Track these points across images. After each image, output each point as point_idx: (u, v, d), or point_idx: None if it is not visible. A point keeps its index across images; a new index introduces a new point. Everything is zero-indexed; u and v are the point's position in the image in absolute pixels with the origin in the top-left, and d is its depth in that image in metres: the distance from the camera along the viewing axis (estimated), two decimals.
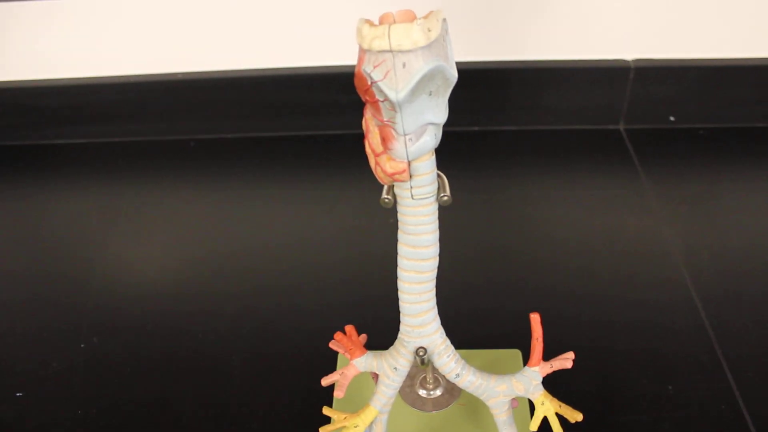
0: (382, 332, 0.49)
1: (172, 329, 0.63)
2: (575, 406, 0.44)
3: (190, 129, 0.86)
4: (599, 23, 0.77)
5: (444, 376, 0.52)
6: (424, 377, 0.53)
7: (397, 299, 0.42)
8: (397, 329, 0.43)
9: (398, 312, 0.42)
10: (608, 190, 0.76)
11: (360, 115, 0.87)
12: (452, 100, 0.36)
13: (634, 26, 0.77)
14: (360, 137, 0.93)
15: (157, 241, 0.73)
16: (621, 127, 0.84)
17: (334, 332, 0.60)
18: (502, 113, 0.84)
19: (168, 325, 0.64)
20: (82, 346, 0.62)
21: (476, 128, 0.85)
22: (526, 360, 0.55)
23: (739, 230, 0.70)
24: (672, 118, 0.83)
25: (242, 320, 0.64)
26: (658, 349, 0.59)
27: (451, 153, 0.81)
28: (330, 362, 0.57)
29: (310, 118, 0.85)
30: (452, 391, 0.53)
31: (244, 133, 0.86)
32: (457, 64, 0.35)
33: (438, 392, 0.52)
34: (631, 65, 0.79)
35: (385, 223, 0.72)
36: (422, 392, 0.53)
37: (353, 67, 0.88)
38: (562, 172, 0.79)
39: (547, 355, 0.44)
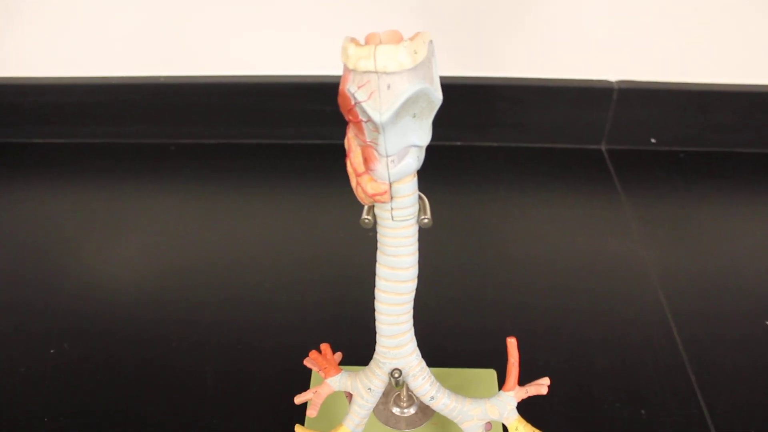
0: (357, 348, 0.49)
1: (145, 337, 0.62)
2: (547, 428, 0.44)
3: (171, 133, 0.85)
4: (585, 43, 0.77)
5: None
6: (398, 395, 0.52)
7: (373, 315, 0.41)
8: (373, 345, 0.43)
9: (374, 328, 0.42)
10: (588, 209, 0.76)
11: (344, 127, 0.87)
12: (436, 114, 0.36)
13: (620, 48, 0.78)
14: (342, 149, 0.92)
15: (132, 247, 0.72)
16: (603, 147, 0.84)
17: (309, 347, 0.59)
18: (485, 129, 0.84)
19: (141, 332, 0.63)
20: (52, 351, 0.61)
21: (459, 143, 0.85)
22: (500, 379, 0.55)
23: (716, 254, 0.70)
24: (653, 140, 0.84)
25: (217, 330, 0.63)
26: (633, 372, 0.59)
27: (432, 167, 0.81)
28: (303, 378, 0.56)
29: (292, 127, 0.84)
30: (426, 410, 0.52)
31: (225, 139, 0.86)
32: (442, 78, 0.35)
33: (412, 411, 0.52)
34: (614, 86, 0.79)
35: (364, 236, 0.72)
36: (396, 410, 0.52)
37: (338, 77, 0.88)
38: (543, 190, 0.79)
39: (522, 376, 0.44)
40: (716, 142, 0.83)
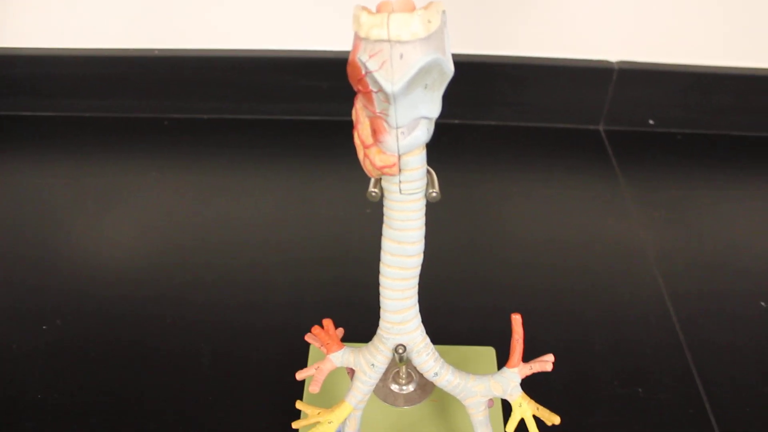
0: (355, 327, 0.48)
1: (139, 314, 0.61)
2: (546, 405, 0.44)
3: (165, 107, 0.84)
4: (586, 23, 0.77)
5: (418, 372, 0.52)
6: (398, 372, 0.52)
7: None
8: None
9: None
10: (586, 190, 0.76)
11: (341, 103, 0.86)
12: None
13: (620, 28, 0.77)
14: (339, 125, 0.92)
15: (125, 223, 0.71)
16: (601, 127, 0.84)
17: (306, 326, 0.59)
18: (483, 107, 0.84)
19: (135, 309, 0.62)
20: (44, 328, 0.60)
21: (456, 121, 0.85)
22: (499, 357, 0.55)
23: (713, 236, 0.71)
24: (651, 122, 0.84)
25: (212, 309, 0.62)
26: (630, 351, 0.59)
27: (429, 145, 0.81)
28: (301, 357, 0.55)
29: (288, 103, 0.83)
30: (425, 386, 0.52)
31: (220, 114, 0.84)
32: None
33: (410, 387, 0.52)
34: (614, 67, 0.79)
35: (360, 215, 0.71)
36: (394, 387, 0.52)
37: (336, 53, 0.88)
38: (541, 170, 0.79)
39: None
40: (714, 125, 0.83)
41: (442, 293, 0.64)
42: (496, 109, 0.84)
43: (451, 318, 0.61)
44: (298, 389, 0.53)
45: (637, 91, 0.81)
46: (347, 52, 0.91)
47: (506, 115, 0.84)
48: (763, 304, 0.63)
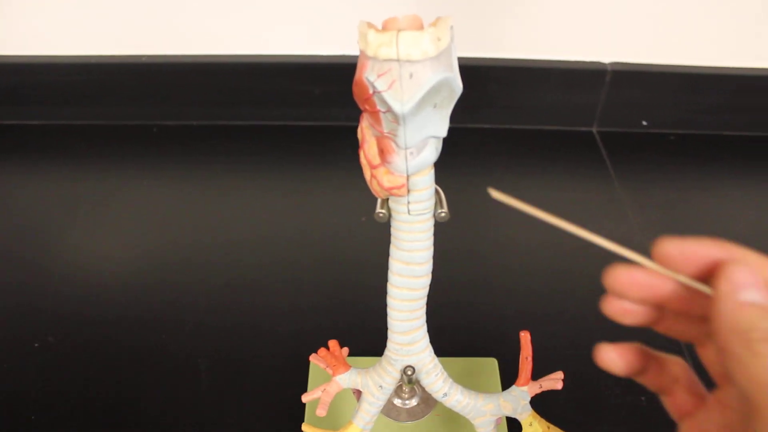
0: (353, 334, 0.48)
1: (134, 326, 0.60)
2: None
3: (154, 114, 0.82)
4: (579, 25, 0.76)
5: (421, 386, 0.51)
6: (401, 386, 0.51)
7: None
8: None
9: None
10: (581, 192, 0.75)
11: (334, 108, 0.85)
12: None
13: (614, 30, 0.76)
14: (332, 130, 0.90)
15: (118, 232, 0.69)
16: (594, 129, 0.84)
17: (304, 334, 0.58)
18: (476, 111, 0.83)
19: (129, 321, 0.60)
20: (36, 345, 0.58)
21: (450, 125, 0.84)
22: (502, 369, 0.54)
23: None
24: (645, 123, 0.83)
25: (209, 318, 0.61)
26: None
27: None
28: (301, 365, 0.55)
29: (280, 108, 0.82)
30: (428, 401, 0.52)
31: (210, 120, 0.83)
32: None
33: (413, 402, 0.51)
34: (608, 68, 0.78)
35: (356, 221, 0.70)
36: (397, 401, 0.51)
37: (328, 57, 0.86)
38: (536, 172, 0.78)
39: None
40: (707, 125, 0.83)
41: (440, 302, 0.63)
42: (488, 112, 0.83)
43: (450, 324, 0.61)
44: (298, 398, 0.52)
45: (630, 92, 0.80)
46: (339, 57, 0.90)
47: (500, 118, 0.83)
48: None
